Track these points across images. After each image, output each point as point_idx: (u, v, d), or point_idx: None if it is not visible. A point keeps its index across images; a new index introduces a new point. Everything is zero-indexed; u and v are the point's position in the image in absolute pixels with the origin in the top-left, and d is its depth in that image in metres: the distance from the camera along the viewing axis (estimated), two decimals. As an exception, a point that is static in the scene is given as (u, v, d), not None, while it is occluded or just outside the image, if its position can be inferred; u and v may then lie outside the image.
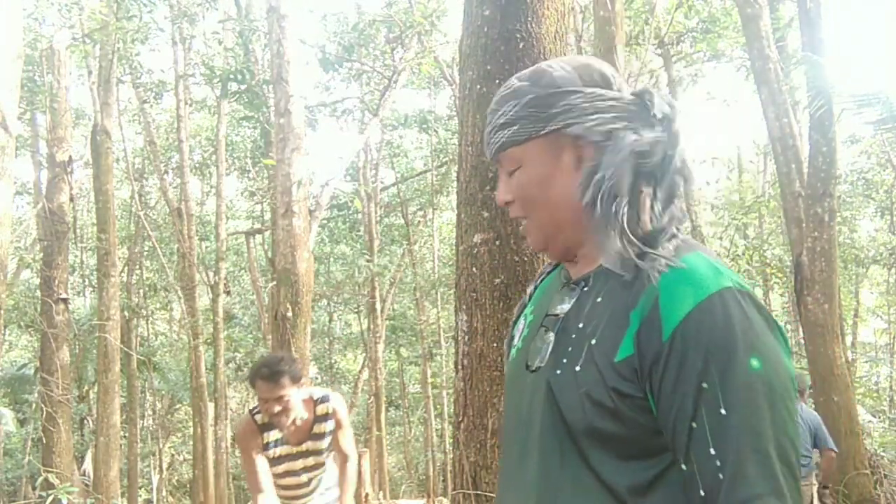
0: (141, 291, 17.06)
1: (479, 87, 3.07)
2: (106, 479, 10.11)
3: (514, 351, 1.21)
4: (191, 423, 15.70)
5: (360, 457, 6.97)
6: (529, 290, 1.29)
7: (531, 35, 3.01)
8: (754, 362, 0.93)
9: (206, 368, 13.63)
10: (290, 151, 6.81)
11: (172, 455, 20.46)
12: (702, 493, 0.93)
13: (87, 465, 14.57)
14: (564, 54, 3.13)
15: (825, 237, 7.17)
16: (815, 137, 7.07)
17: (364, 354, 19.65)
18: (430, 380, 17.25)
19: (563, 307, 1.11)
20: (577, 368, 1.02)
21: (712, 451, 0.92)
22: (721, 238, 14.30)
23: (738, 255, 11.90)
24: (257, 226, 16.44)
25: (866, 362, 16.51)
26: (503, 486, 1.16)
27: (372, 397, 16.80)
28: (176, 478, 20.16)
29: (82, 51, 11.55)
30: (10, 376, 15.79)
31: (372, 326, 16.63)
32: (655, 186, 1.06)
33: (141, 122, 15.61)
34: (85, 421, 16.79)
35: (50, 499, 7.57)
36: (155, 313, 19.89)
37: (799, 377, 5.98)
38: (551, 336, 1.10)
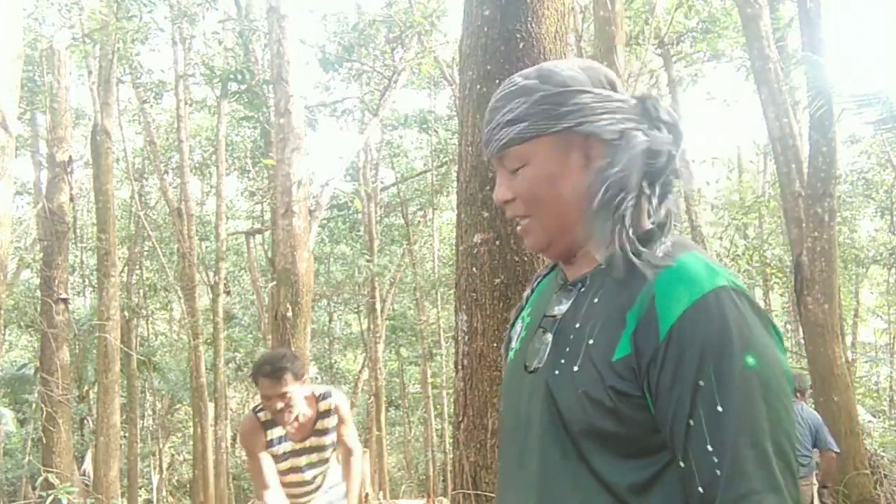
0: (141, 291, 17.06)
1: (479, 87, 3.07)
2: (106, 479, 10.11)
3: (511, 353, 1.22)
4: (191, 423, 15.71)
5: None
6: (526, 293, 1.30)
7: (531, 35, 3.01)
8: (750, 360, 0.94)
9: (206, 368, 13.63)
10: (290, 151, 6.81)
11: (172, 455, 20.46)
12: (700, 489, 0.94)
13: (87, 465, 14.58)
14: (564, 54, 3.13)
15: (825, 237, 7.17)
16: (815, 137, 7.07)
17: (364, 354, 19.65)
18: (430, 380, 17.25)
19: (561, 308, 1.12)
20: (576, 368, 1.03)
21: (709, 448, 0.93)
22: (721, 238, 14.30)
23: (738, 255, 11.91)
24: (257, 226, 16.44)
25: (866, 362, 16.51)
26: (503, 486, 1.17)
27: (372, 397, 16.80)
28: (176, 478, 20.16)
29: (82, 51, 11.55)
30: (10, 376, 15.79)
31: (372, 326, 16.63)
32: (657, 186, 1.07)
33: (141, 122, 15.62)
34: (85, 421, 16.80)
35: (50, 499, 7.57)
36: (155, 313, 19.90)
37: (800, 377, 5.98)
38: (549, 337, 1.11)
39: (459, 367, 3.03)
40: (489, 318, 2.93)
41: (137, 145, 17.22)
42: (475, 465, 2.91)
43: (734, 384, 0.93)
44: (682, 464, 0.96)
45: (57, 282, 9.78)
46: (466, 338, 2.99)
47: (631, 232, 1.03)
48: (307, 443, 3.29)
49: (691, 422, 0.94)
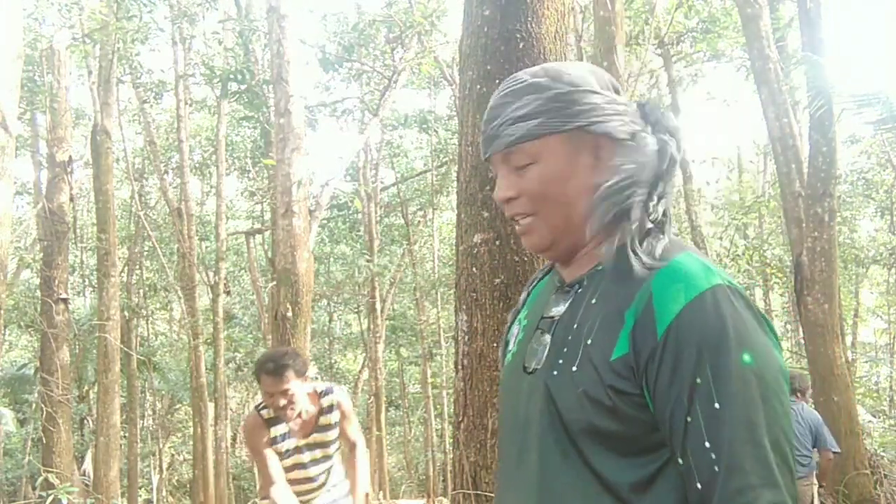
0: (141, 291, 17.05)
1: (479, 87, 3.07)
2: (106, 479, 10.11)
3: (509, 355, 1.22)
4: (191, 423, 15.70)
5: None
6: (522, 296, 1.31)
7: (531, 35, 3.01)
8: (746, 357, 0.95)
9: (206, 368, 13.63)
10: (290, 151, 6.81)
11: (172, 455, 20.46)
12: (698, 485, 0.95)
13: (87, 465, 14.57)
14: (564, 54, 3.13)
15: (825, 237, 7.17)
16: (815, 137, 7.06)
17: (364, 354, 19.65)
18: (430, 380, 17.25)
19: (559, 310, 1.13)
20: (574, 368, 1.04)
21: (707, 445, 0.94)
22: (721, 238, 14.30)
23: (738, 255, 11.90)
24: (257, 226, 16.44)
25: (866, 362, 16.50)
26: (502, 487, 1.17)
27: (372, 397, 16.80)
28: (176, 478, 20.16)
29: (82, 51, 11.55)
30: (10, 376, 15.79)
31: (372, 326, 16.62)
32: (661, 187, 1.09)
33: (141, 122, 15.61)
34: (85, 421, 16.80)
35: (50, 499, 7.57)
36: (155, 313, 19.89)
37: (800, 377, 5.97)
38: (547, 338, 1.11)
39: (459, 367, 3.03)
40: (489, 318, 2.93)
41: (137, 145, 17.22)
42: (475, 465, 2.91)
43: (731, 381, 0.94)
44: (680, 461, 0.97)
45: (57, 282, 9.78)
46: (466, 338, 2.99)
47: (636, 226, 1.06)
48: (311, 439, 3.32)
49: (689, 419, 0.95)
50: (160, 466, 17.52)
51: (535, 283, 1.30)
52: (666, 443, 0.99)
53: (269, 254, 8.47)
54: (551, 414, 1.05)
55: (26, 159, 15.27)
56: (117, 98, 12.31)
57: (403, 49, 11.87)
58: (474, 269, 2.98)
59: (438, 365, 17.30)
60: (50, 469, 8.94)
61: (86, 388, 16.56)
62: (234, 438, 19.63)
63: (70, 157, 10.08)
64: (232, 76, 9.38)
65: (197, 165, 16.61)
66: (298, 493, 3.38)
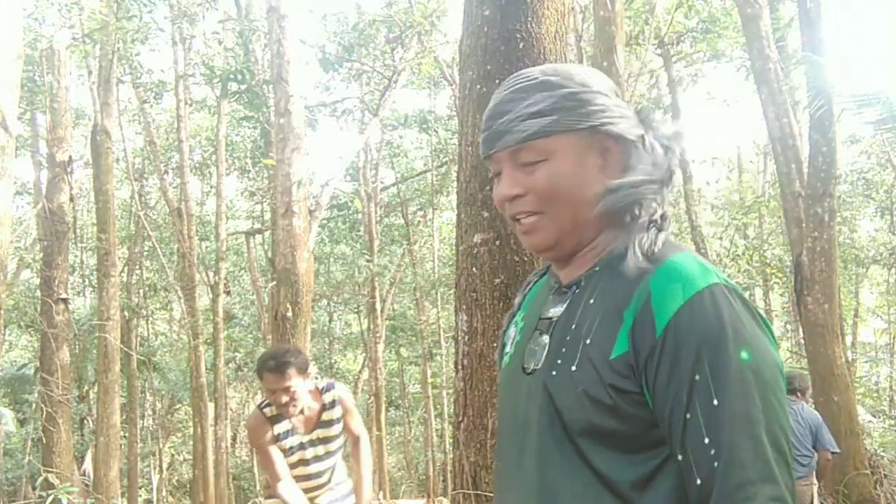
0: (141, 291, 17.05)
1: (479, 87, 3.07)
2: (106, 479, 10.11)
3: (506, 357, 1.23)
4: (191, 423, 15.70)
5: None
6: (517, 299, 1.31)
7: (531, 35, 3.02)
8: (744, 354, 0.96)
9: (206, 368, 13.62)
10: (290, 151, 6.81)
11: (172, 455, 20.45)
12: (698, 481, 0.96)
13: (87, 465, 14.57)
14: (564, 54, 3.14)
15: (825, 237, 7.17)
16: (815, 137, 7.07)
17: (364, 354, 19.65)
18: (430, 380, 17.24)
19: (557, 310, 1.13)
20: (573, 368, 1.04)
21: (706, 441, 0.95)
22: (721, 238, 14.30)
23: (738, 255, 11.90)
24: (257, 226, 16.44)
25: (866, 362, 16.49)
26: (501, 488, 1.18)
27: (372, 397, 16.80)
28: (176, 478, 20.16)
29: (82, 51, 11.55)
30: (10, 376, 15.79)
31: (372, 326, 16.62)
32: (665, 189, 1.12)
33: (141, 122, 15.61)
34: (85, 421, 16.79)
35: (50, 499, 7.57)
36: (155, 313, 19.89)
37: (800, 377, 5.98)
38: (546, 339, 1.12)
39: (459, 367, 3.03)
40: (489, 318, 2.93)
41: (137, 145, 17.21)
42: (475, 465, 2.91)
43: (729, 378, 0.95)
44: (680, 457, 0.97)
45: (57, 282, 9.79)
46: (466, 338, 2.99)
47: (645, 224, 1.08)
48: (314, 435, 3.36)
49: (688, 415, 0.96)
50: (160, 466, 17.52)
51: (530, 286, 1.31)
52: (665, 440, 0.99)
53: (269, 254, 8.47)
54: (551, 414, 1.06)
55: (26, 159, 15.28)
56: (117, 98, 12.31)
57: (403, 49, 11.87)
58: (474, 269, 2.98)
59: (438, 365, 17.30)
60: (50, 469, 8.94)
61: (86, 388, 16.56)
62: (234, 438, 19.65)
63: (70, 157, 10.09)
64: (232, 76, 9.38)
65: (197, 165, 16.61)
66: (303, 491, 3.40)
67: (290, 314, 6.48)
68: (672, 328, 0.97)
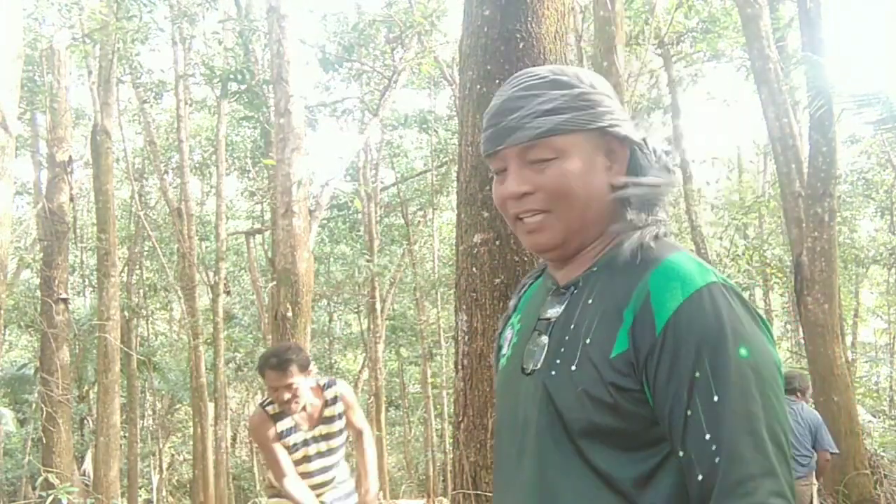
0: (141, 291, 17.05)
1: (479, 87, 3.07)
2: (106, 479, 10.11)
3: (503, 359, 1.23)
4: (191, 423, 15.70)
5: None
6: (512, 301, 1.31)
7: (531, 35, 3.02)
8: (742, 351, 0.97)
9: (206, 368, 13.62)
10: (290, 151, 6.81)
11: (172, 455, 20.45)
12: (699, 477, 0.96)
13: (87, 465, 14.57)
14: (564, 54, 3.14)
15: (825, 237, 7.17)
16: (815, 137, 7.06)
17: (364, 354, 19.65)
18: (430, 380, 17.24)
19: (555, 311, 1.14)
20: (573, 368, 1.05)
21: (707, 436, 0.96)
22: (721, 238, 14.30)
23: (738, 255, 11.91)
24: (257, 226, 16.43)
25: (866, 362, 16.49)
26: (500, 489, 1.18)
27: (372, 397, 16.80)
28: (176, 478, 20.16)
29: (82, 51, 11.55)
30: (10, 376, 15.79)
31: (372, 326, 16.62)
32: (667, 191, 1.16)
33: (141, 122, 15.60)
34: (85, 421, 16.79)
35: (50, 499, 7.57)
36: (155, 313, 19.89)
37: (800, 377, 5.97)
38: (545, 339, 1.12)
39: (459, 367, 3.04)
40: (489, 318, 2.93)
41: (137, 145, 17.21)
42: (475, 465, 2.91)
43: (729, 375, 0.96)
44: (681, 453, 0.98)
45: (57, 282, 9.79)
46: (466, 338, 2.99)
47: (652, 223, 1.10)
48: (316, 431, 3.40)
49: (689, 412, 0.97)
50: (160, 466, 17.52)
51: (525, 289, 1.31)
52: (665, 437, 1.00)
53: (269, 254, 8.47)
54: (550, 414, 1.06)
55: (26, 159, 15.27)
56: (117, 98, 12.31)
57: (403, 49, 11.87)
58: (474, 269, 2.98)
59: (438, 365, 17.30)
60: (50, 469, 8.94)
61: (86, 388, 16.56)
62: (234, 438, 19.64)
63: (70, 157, 10.09)
64: (232, 76, 9.38)
65: (197, 165, 16.60)
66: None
67: (290, 314, 6.48)
68: (672, 326, 0.98)
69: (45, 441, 9.69)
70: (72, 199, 10.44)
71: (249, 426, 3.52)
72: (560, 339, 1.10)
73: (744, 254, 11.83)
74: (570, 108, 1.09)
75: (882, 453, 8.42)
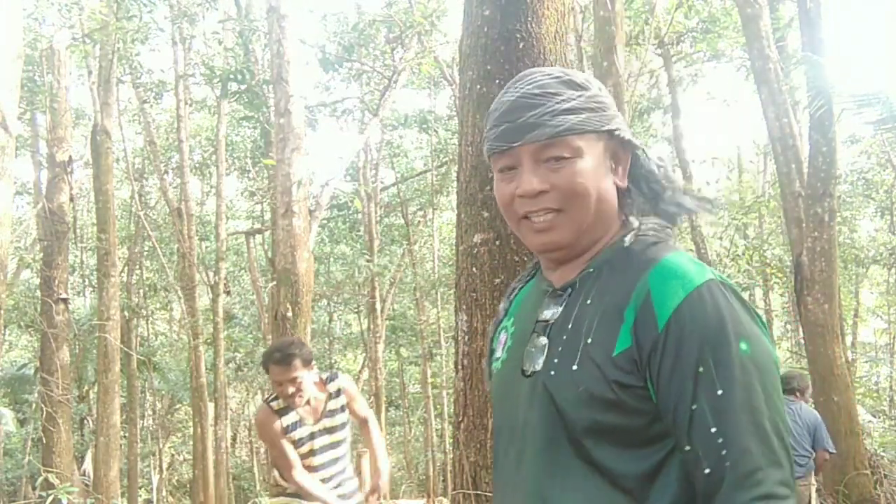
0: (141, 291, 17.05)
1: (479, 87, 3.07)
2: (106, 479, 10.11)
3: (497, 363, 1.24)
4: (191, 423, 15.70)
5: (359, 457, 6.98)
6: (502, 305, 1.32)
7: (531, 35, 3.01)
8: (743, 346, 0.99)
9: (206, 368, 13.62)
10: (290, 151, 6.81)
11: (172, 455, 20.45)
12: (706, 470, 0.98)
13: (87, 465, 14.57)
14: (564, 54, 3.14)
15: (825, 237, 7.16)
16: (815, 137, 7.06)
17: (364, 354, 19.65)
18: (430, 380, 17.24)
19: (552, 312, 1.14)
20: (574, 368, 1.06)
21: (713, 430, 0.97)
22: (721, 238, 14.30)
23: (738, 255, 11.90)
24: (257, 226, 16.43)
25: (866, 362, 16.49)
26: (501, 490, 1.18)
27: (372, 397, 16.79)
28: (176, 478, 20.15)
29: (82, 51, 11.55)
30: (10, 376, 15.78)
31: (372, 326, 16.62)
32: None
33: (141, 122, 15.60)
34: (85, 421, 16.79)
35: (50, 499, 7.57)
36: (155, 313, 19.89)
37: (800, 377, 5.98)
38: (544, 340, 1.13)
39: (459, 367, 3.03)
40: (489, 318, 2.93)
41: (137, 145, 17.20)
42: (475, 465, 2.91)
43: (732, 369, 0.98)
44: (687, 447, 0.99)
45: (57, 282, 9.79)
46: (466, 338, 2.99)
47: (650, 222, 1.14)
48: (321, 424, 3.46)
49: (694, 406, 0.98)
50: (160, 466, 17.52)
51: (515, 293, 1.31)
52: (668, 433, 1.01)
53: (269, 254, 8.47)
54: (551, 414, 1.07)
55: (26, 159, 15.27)
56: (117, 98, 12.31)
57: (403, 49, 11.87)
58: (474, 269, 2.98)
59: (438, 365, 17.30)
60: (50, 469, 8.95)
61: (86, 388, 16.56)
62: (234, 438, 19.64)
63: (70, 157, 10.09)
64: (232, 76, 9.38)
65: (197, 165, 16.60)
66: None
67: (290, 314, 6.48)
68: (674, 323, 1.00)
69: (45, 441, 9.69)
70: (72, 199, 10.45)
71: (255, 422, 3.58)
72: (559, 339, 1.10)
73: (744, 254, 11.83)
74: (586, 108, 1.10)
75: (882, 453, 8.42)
